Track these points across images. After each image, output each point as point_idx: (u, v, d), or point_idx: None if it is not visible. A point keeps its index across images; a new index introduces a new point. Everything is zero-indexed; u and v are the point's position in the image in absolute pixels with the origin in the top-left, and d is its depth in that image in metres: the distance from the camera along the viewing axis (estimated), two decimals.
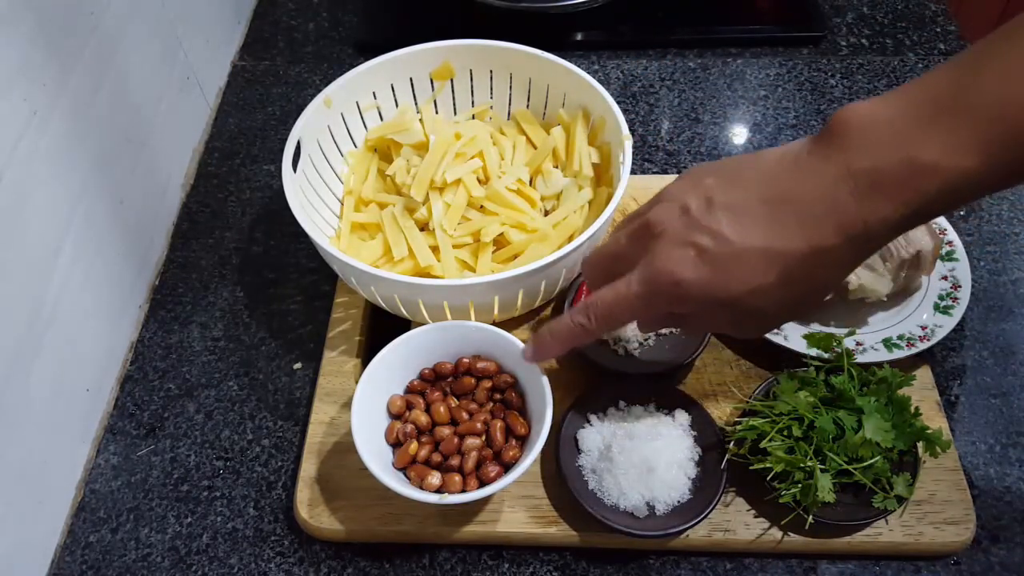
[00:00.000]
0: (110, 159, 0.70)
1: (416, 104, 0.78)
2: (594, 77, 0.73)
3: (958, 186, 0.41)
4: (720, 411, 0.65)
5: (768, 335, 0.66)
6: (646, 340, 0.68)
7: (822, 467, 0.56)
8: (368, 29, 1.01)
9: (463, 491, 0.56)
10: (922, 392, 0.65)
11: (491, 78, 0.77)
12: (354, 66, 0.73)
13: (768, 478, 0.57)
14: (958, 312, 0.67)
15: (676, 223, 0.48)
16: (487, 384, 0.61)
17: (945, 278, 0.69)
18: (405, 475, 0.58)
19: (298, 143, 0.68)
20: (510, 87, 0.77)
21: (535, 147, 0.76)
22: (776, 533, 0.59)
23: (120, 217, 0.72)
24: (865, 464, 0.56)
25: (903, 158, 0.41)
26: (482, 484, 0.56)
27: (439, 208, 0.69)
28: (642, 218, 0.50)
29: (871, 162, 0.42)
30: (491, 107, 0.79)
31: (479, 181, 0.71)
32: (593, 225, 0.61)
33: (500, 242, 0.70)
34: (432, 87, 0.78)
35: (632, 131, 0.87)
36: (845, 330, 0.64)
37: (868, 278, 0.66)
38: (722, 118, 0.90)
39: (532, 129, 0.77)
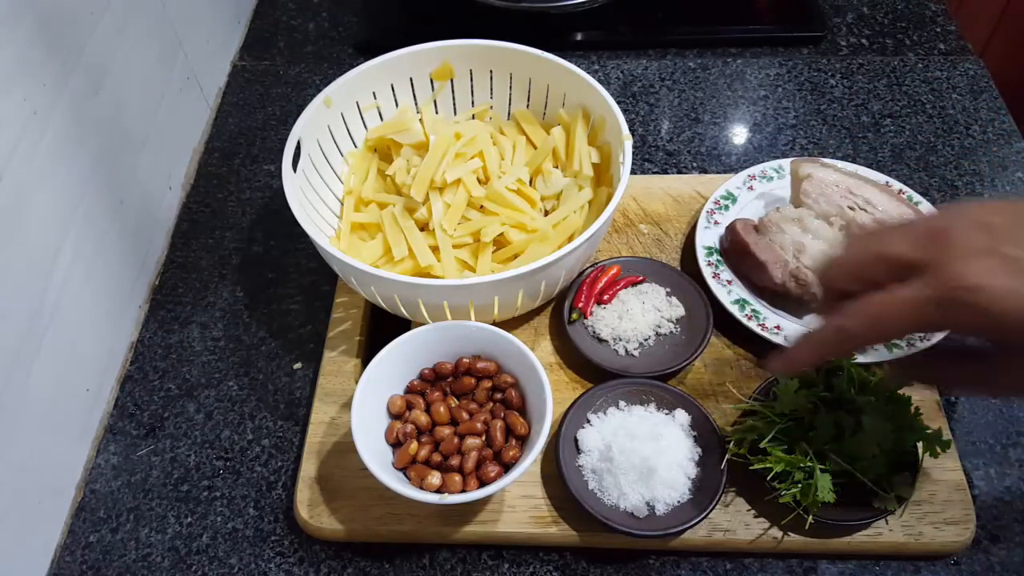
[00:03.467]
0: (110, 159, 0.70)
1: (416, 104, 0.78)
2: (594, 77, 0.73)
3: None
4: (720, 411, 0.65)
5: (768, 335, 0.66)
6: (646, 340, 0.68)
7: (822, 467, 0.56)
8: (368, 29, 1.01)
9: (463, 491, 0.56)
10: (922, 392, 0.65)
11: (491, 78, 0.77)
12: (354, 66, 0.73)
13: (768, 478, 0.57)
14: None
15: (976, 234, 0.40)
16: (487, 384, 0.61)
17: None
18: (405, 475, 0.58)
19: (298, 143, 0.68)
20: (510, 87, 0.77)
21: (535, 147, 0.76)
22: (776, 533, 0.58)
23: (120, 217, 0.72)
24: (865, 464, 0.56)
25: None
26: (482, 484, 0.56)
27: (439, 208, 0.69)
28: (924, 225, 0.42)
29: None
30: (491, 107, 0.79)
31: (479, 181, 0.71)
32: (593, 225, 0.61)
33: (500, 242, 0.70)
34: (432, 87, 0.78)
35: (632, 131, 0.87)
36: None
37: None
38: (722, 118, 0.90)
39: (532, 129, 0.77)
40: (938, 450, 0.57)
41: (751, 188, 0.77)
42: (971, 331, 0.41)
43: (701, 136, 0.88)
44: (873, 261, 0.43)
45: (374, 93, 0.76)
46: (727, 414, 0.65)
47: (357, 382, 0.59)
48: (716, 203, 0.76)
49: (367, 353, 0.69)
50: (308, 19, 1.04)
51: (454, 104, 0.79)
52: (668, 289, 0.71)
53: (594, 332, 0.68)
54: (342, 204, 0.75)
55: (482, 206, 0.70)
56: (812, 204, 0.71)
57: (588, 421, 0.62)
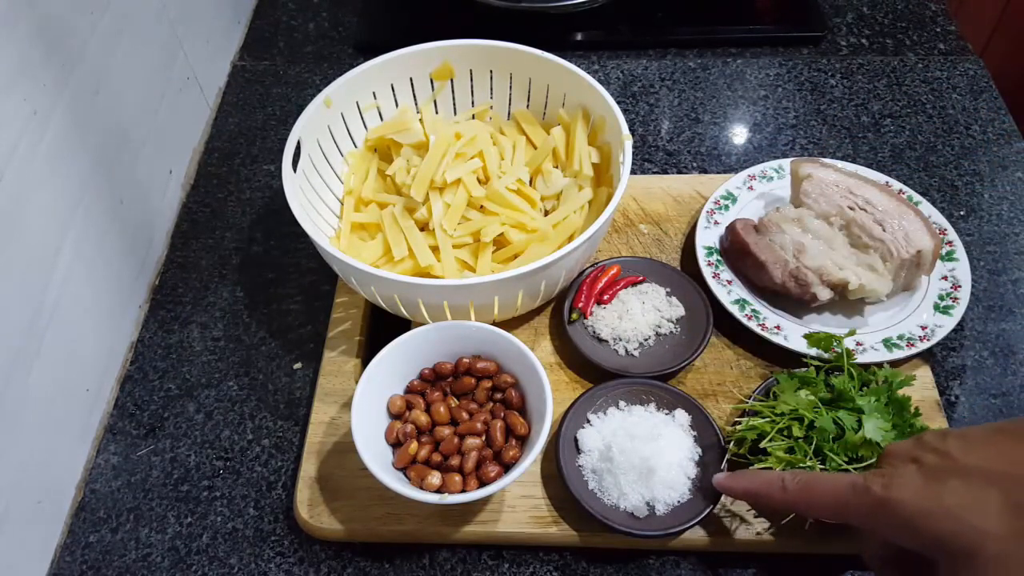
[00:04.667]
0: (110, 159, 0.70)
1: (416, 104, 0.78)
2: (594, 77, 0.73)
3: None
4: (720, 411, 0.65)
5: (768, 335, 0.66)
6: (646, 340, 0.68)
7: (822, 467, 0.56)
8: (368, 29, 1.01)
9: (463, 491, 0.56)
10: (922, 392, 0.65)
11: (491, 78, 0.77)
12: (354, 66, 0.73)
13: None
14: (958, 312, 0.67)
15: (905, 446, 0.46)
16: (487, 384, 0.61)
17: (945, 278, 0.69)
18: (405, 475, 0.58)
19: (298, 143, 0.68)
20: (510, 87, 0.77)
21: (535, 147, 0.76)
22: (776, 533, 0.58)
23: (120, 217, 0.72)
24: (865, 464, 0.56)
25: None
26: (482, 484, 0.56)
27: (439, 208, 0.69)
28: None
29: None
30: (491, 107, 0.79)
31: (479, 181, 0.71)
32: (593, 225, 0.61)
33: (500, 242, 0.70)
34: (432, 87, 0.78)
35: (632, 131, 0.87)
36: (845, 330, 0.64)
37: (868, 278, 0.66)
38: (722, 118, 0.90)
39: (532, 129, 0.77)
40: None
41: (751, 188, 0.77)
42: (880, 527, 0.45)
43: (701, 136, 0.88)
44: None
45: (374, 93, 0.76)
46: (727, 414, 0.65)
47: (357, 382, 0.59)
48: (716, 203, 0.76)
49: (367, 353, 0.69)
50: (308, 19, 1.04)
51: (454, 104, 0.79)
52: (668, 289, 0.71)
53: (594, 332, 0.68)
54: (342, 204, 0.75)
55: (482, 206, 0.70)
56: (812, 204, 0.71)
57: (588, 421, 0.62)
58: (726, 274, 0.71)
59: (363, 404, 0.58)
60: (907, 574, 0.47)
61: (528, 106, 0.78)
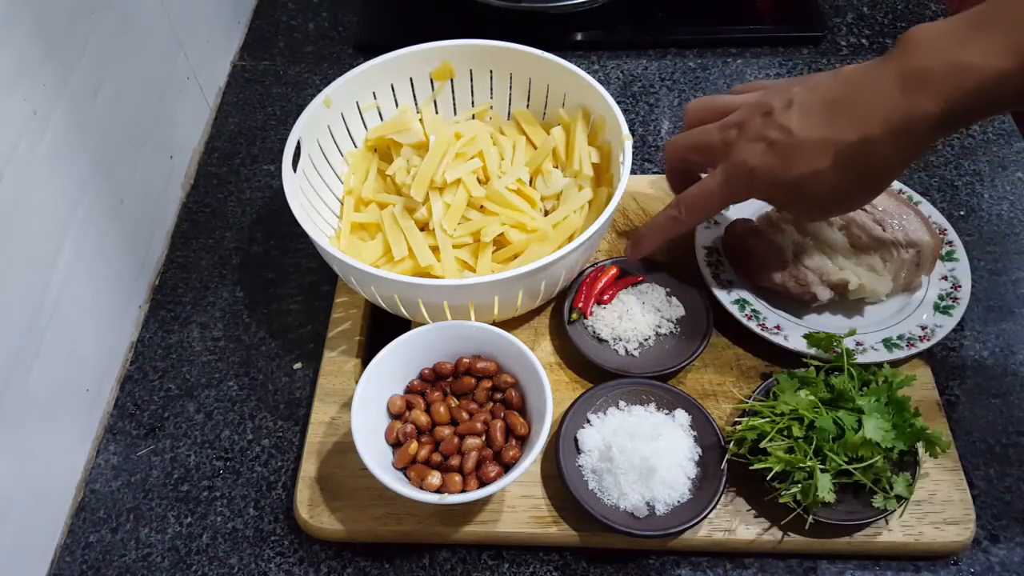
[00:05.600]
0: (110, 159, 0.70)
1: (416, 104, 0.78)
2: (594, 77, 0.73)
3: (993, 87, 0.47)
4: (720, 411, 0.65)
5: (768, 335, 0.66)
6: (646, 340, 0.68)
7: (822, 467, 0.56)
8: (368, 29, 1.01)
9: (463, 491, 0.56)
10: (922, 392, 0.65)
11: (491, 78, 0.77)
12: (354, 66, 0.73)
13: (768, 478, 0.57)
14: (958, 312, 0.67)
15: (756, 122, 0.57)
16: (487, 384, 0.61)
17: (945, 278, 0.69)
18: (405, 475, 0.58)
19: (298, 143, 0.68)
20: (510, 87, 0.77)
21: (535, 147, 0.76)
22: (776, 533, 0.58)
23: (120, 217, 0.72)
24: (865, 464, 0.56)
25: (947, 59, 0.48)
26: (482, 484, 0.56)
27: (439, 208, 0.69)
28: (734, 116, 0.59)
29: (921, 63, 0.50)
30: (491, 107, 0.79)
31: (479, 181, 0.71)
32: (593, 225, 0.61)
33: (500, 242, 0.70)
34: (432, 87, 0.78)
35: (632, 131, 0.87)
36: (845, 330, 0.64)
37: (868, 278, 0.66)
38: None
39: (532, 129, 0.77)
40: (938, 450, 0.57)
41: None
42: (751, 195, 0.60)
43: None
44: (696, 148, 0.62)
45: (374, 93, 0.76)
46: (727, 414, 0.65)
47: (357, 382, 0.59)
48: None
49: (367, 353, 0.69)
50: (308, 19, 1.04)
51: (454, 104, 0.79)
52: (668, 289, 0.71)
53: (594, 332, 0.68)
54: (342, 204, 0.75)
55: (482, 206, 0.70)
56: None
57: (588, 421, 0.62)
58: (726, 274, 0.71)
59: (363, 404, 0.58)
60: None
61: (528, 106, 0.78)
